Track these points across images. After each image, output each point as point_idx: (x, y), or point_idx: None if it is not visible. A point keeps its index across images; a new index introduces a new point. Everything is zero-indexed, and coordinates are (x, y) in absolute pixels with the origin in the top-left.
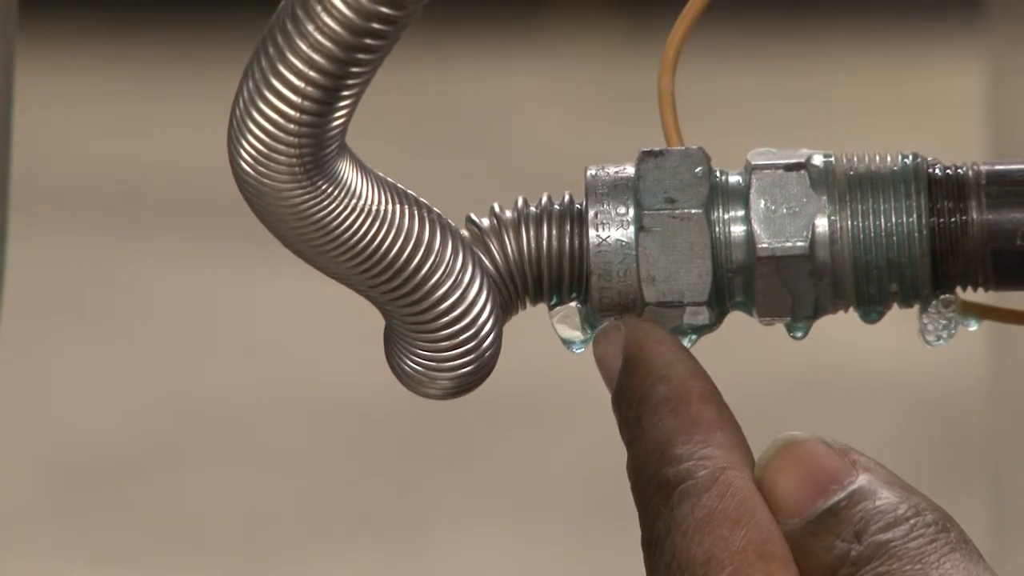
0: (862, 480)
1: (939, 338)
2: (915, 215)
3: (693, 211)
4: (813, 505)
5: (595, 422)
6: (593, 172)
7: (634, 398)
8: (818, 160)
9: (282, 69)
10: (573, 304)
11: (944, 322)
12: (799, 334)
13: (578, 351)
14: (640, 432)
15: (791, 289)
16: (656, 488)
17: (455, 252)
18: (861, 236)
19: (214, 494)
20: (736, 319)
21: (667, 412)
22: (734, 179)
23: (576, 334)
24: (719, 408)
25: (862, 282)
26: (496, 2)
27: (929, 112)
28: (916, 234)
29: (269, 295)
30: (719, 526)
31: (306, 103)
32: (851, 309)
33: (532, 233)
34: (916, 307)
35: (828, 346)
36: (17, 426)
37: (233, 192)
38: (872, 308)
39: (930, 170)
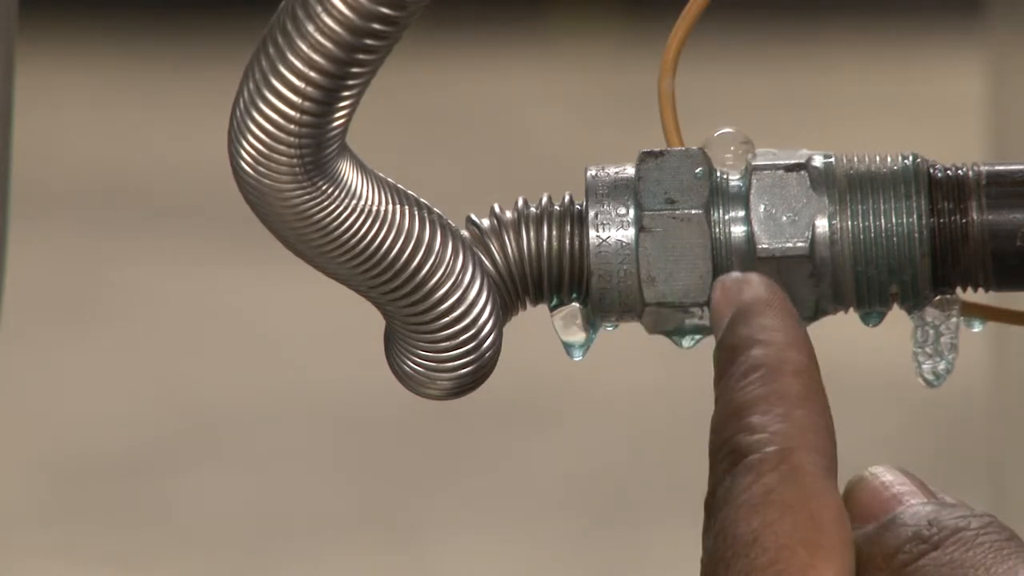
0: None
1: (937, 376)
2: (915, 216)
3: (693, 212)
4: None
5: (594, 423)
6: (593, 173)
7: (730, 355)
8: (818, 161)
9: (282, 69)
10: (574, 304)
11: (943, 363)
12: None
13: (577, 357)
14: (727, 391)
15: (791, 290)
16: (727, 453)
17: (455, 252)
18: (861, 237)
19: (213, 495)
20: None
21: (756, 378)
22: (734, 180)
23: (577, 336)
24: (809, 384)
25: (862, 283)
26: (496, 2)
27: (929, 112)
28: (916, 235)
29: (269, 296)
30: (771, 508)
31: (306, 103)
32: (851, 310)
33: (532, 234)
34: (912, 349)
35: (827, 346)
36: (17, 426)
37: (233, 193)
38: (872, 309)
39: (930, 171)
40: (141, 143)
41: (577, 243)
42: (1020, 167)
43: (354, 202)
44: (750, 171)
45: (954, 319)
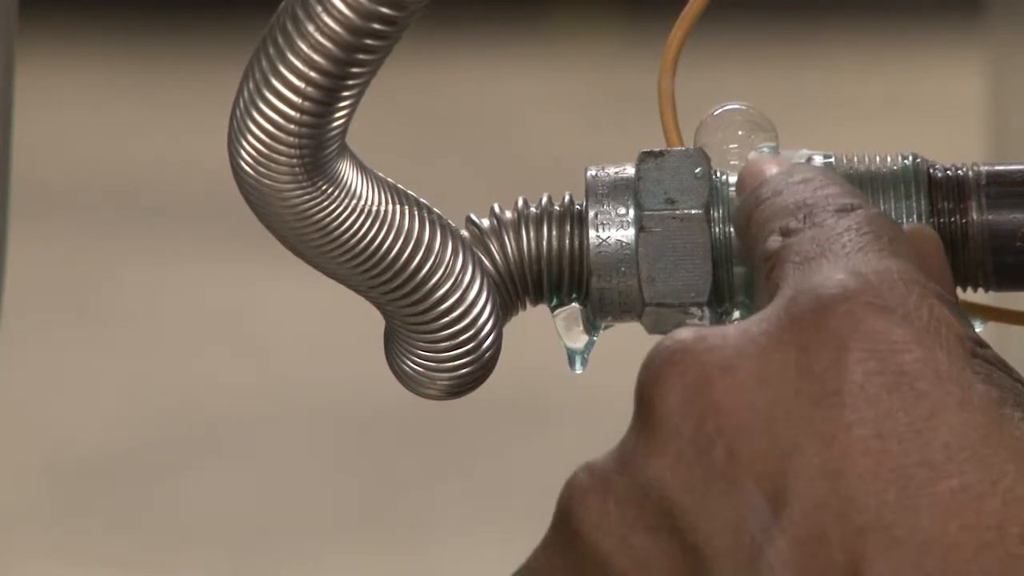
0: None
1: None
2: (915, 216)
3: (693, 212)
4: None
5: (594, 422)
6: (593, 173)
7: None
8: (818, 161)
9: (282, 69)
10: (575, 305)
11: None
12: None
13: (578, 370)
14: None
15: None
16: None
17: (455, 253)
18: None
19: (212, 495)
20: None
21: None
22: (735, 180)
23: (580, 338)
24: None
25: None
26: (496, 2)
27: (929, 112)
28: None
29: (268, 296)
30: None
31: (306, 103)
32: None
33: (532, 234)
34: None
35: None
36: (17, 426)
37: (233, 193)
38: None
39: (930, 171)
40: (141, 143)
41: (577, 243)
42: (1020, 167)
43: (354, 202)
44: None
45: None
